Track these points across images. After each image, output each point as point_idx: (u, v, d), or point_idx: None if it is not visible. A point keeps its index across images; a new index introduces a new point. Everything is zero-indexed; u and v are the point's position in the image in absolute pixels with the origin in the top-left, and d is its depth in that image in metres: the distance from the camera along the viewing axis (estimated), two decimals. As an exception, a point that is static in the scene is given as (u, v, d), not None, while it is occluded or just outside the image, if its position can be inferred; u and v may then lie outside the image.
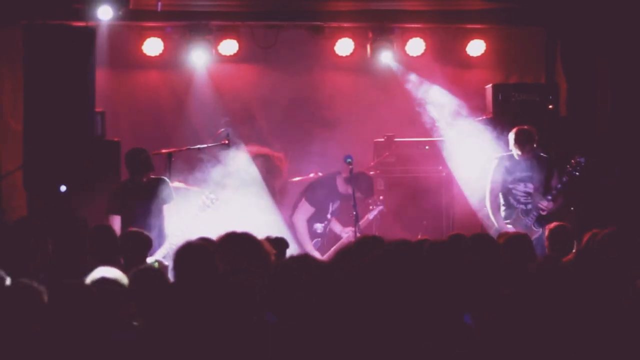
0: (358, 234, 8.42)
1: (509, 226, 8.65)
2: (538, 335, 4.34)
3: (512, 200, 8.83)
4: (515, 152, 8.76)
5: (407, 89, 11.02)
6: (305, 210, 8.79)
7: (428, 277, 4.44)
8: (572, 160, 8.61)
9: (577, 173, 8.58)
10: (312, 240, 8.85)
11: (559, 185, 8.64)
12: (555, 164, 8.87)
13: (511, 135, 8.80)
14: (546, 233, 7.33)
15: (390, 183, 10.10)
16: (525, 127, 8.83)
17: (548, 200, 8.63)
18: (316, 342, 4.00)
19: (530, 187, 8.80)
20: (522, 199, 8.82)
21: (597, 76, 10.09)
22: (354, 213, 8.48)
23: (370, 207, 9.15)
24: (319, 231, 8.87)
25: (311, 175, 9.62)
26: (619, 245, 6.06)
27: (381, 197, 9.38)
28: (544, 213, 8.63)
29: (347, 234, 8.89)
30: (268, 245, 5.11)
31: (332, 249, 8.70)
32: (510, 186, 8.82)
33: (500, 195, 8.86)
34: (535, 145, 8.73)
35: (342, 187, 8.84)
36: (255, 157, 9.68)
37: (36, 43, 8.55)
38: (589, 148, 9.62)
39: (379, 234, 9.38)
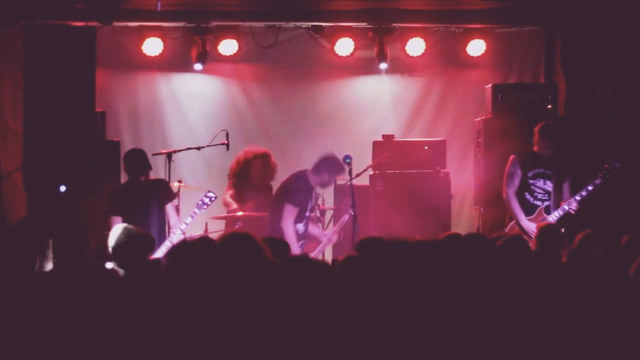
0: (357, 232, 8.39)
1: (532, 224, 8.61)
2: (537, 335, 4.34)
3: (528, 196, 8.77)
4: (539, 147, 8.72)
5: (406, 88, 11.05)
6: (291, 213, 8.62)
7: (427, 277, 4.44)
8: (606, 164, 8.58)
9: (610, 177, 8.54)
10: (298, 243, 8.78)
11: (590, 187, 8.57)
12: (572, 166, 8.84)
13: (537, 130, 8.76)
14: (535, 232, 7.30)
15: (389, 183, 10.09)
16: (551, 122, 8.82)
17: (576, 201, 8.58)
18: (316, 343, 4.00)
19: (549, 185, 8.75)
20: (539, 196, 8.77)
21: (597, 76, 10.08)
22: (352, 213, 8.46)
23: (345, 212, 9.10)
24: (300, 232, 8.80)
25: None
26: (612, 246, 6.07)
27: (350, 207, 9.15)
28: (573, 213, 8.58)
29: (325, 237, 8.88)
30: (266, 246, 5.09)
31: (316, 251, 8.62)
32: (530, 182, 8.77)
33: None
34: (559, 143, 8.70)
35: (313, 181, 8.77)
36: (255, 157, 9.68)
37: (36, 43, 8.58)
38: (589, 148, 9.63)
39: (377, 234, 9.40)
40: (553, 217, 8.61)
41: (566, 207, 8.57)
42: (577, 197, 8.58)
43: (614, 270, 5.35)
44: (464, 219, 10.68)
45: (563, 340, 4.32)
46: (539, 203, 8.74)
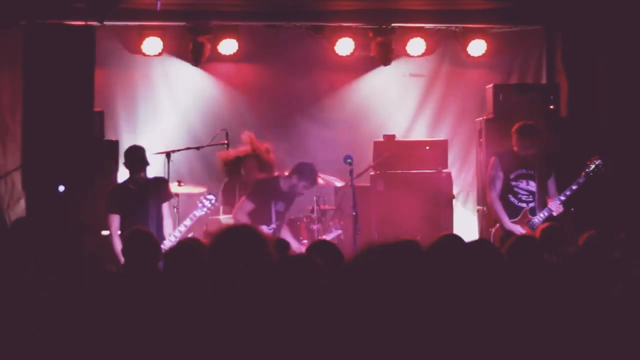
0: (358, 232, 8.32)
1: (517, 226, 8.55)
2: (537, 336, 4.31)
3: (512, 199, 8.72)
4: (519, 147, 8.68)
5: (407, 88, 11.02)
6: (244, 206, 8.51)
7: (426, 278, 4.41)
8: (589, 162, 8.54)
9: (594, 175, 8.49)
10: None
11: (574, 187, 8.52)
12: (554, 163, 8.82)
13: (515, 130, 8.74)
14: (538, 233, 7.25)
15: (390, 183, 10.06)
16: (530, 122, 8.78)
17: (560, 202, 8.52)
18: (314, 344, 3.97)
19: (532, 185, 8.69)
20: (524, 197, 8.72)
21: (598, 76, 10.05)
22: (354, 214, 8.39)
23: (332, 228, 9.06)
24: None
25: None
26: (617, 246, 6.03)
27: (342, 222, 9.22)
28: (555, 215, 8.53)
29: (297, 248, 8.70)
30: (269, 240, 5.03)
31: None
32: (513, 183, 8.72)
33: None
34: (538, 142, 8.67)
35: (285, 185, 8.64)
36: (247, 157, 9.63)
37: (35, 43, 8.53)
38: (590, 149, 9.59)
39: (378, 236, 9.36)
40: (538, 218, 8.56)
41: (552, 209, 8.51)
42: (562, 197, 8.52)
43: (615, 269, 5.31)
44: (466, 219, 10.64)
45: (561, 342, 4.29)
46: (523, 205, 8.68)
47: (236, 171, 9.73)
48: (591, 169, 8.49)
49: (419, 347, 4.01)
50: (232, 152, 9.70)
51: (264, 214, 8.58)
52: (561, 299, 4.55)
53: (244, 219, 8.42)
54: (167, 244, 7.83)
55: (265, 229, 8.56)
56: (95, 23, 9.22)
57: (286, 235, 8.75)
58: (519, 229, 8.42)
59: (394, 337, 4.01)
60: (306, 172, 8.57)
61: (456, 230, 9.54)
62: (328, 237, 8.96)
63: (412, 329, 4.05)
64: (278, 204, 8.63)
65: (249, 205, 8.52)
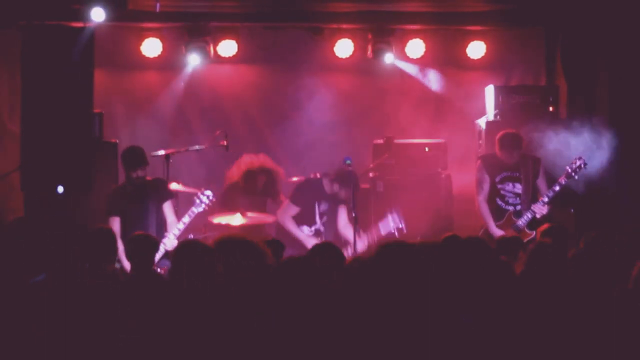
0: (358, 238, 8.30)
1: (500, 231, 8.53)
2: (535, 337, 4.31)
3: (499, 202, 8.72)
4: (502, 156, 8.69)
5: (406, 90, 11.01)
6: (288, 208, 8.60)
7: (425, 278, 4.41)
8: (572, 163, 8.54)
9: (577, 176, 8.50)
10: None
11: (557, 188, 8.52)
12: (540, 163, 8.82)
13: (497, 139, 8.76)
14: (538, 235, 7.24)
15: (390, 185, 10.04)
16: (512, 130, 8.80)
17: (543, 203, 8.52)
18: (314, 345, 3.97)
19: (519, 188, 8.69)
20: (510, 200, 8.72)
21: (598, 78, 10.04)
22: (353, 215, 8.38)
23: (391, 220, 8.63)
24: (306, 234, 8.69)
25: (294, 179, 9.49)
26: (615, 247, 6.03)
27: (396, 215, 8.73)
28: (538, 217, 8.51)
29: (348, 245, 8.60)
30: (263, 245, 5.05)
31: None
32: (499, 186, 8.73)
33: None
34: (519, 152, 8.68)
35: (328, 187, 8.66)
36: (260, 170, 9.57)
37: (34, 44, 8.54)
38: (589, 150, 9.58)
39: (377, 238, 9.32)
40: (522, 221, 8.55)
41: (535, 210, 8.50)
42: (545, 199, 8.51)
43: (612, 271, 5.31)
44: (467, 221, 10.62)
45: (560, 342, 4.29)
46: (510, 208, 8.69)
47: (253, 180, 9.63)
48: (573, 169, 8.50)
49: (420, 347, 4.00)
50: (256, 162, 9.62)
51: (307, 214, 8.64)
52: (562, 298, 4.55)
53: (289, 222, 8.54)
54: (167, 242, 7.82)
55: (306, 229, 8.59)
56: (94, 24, 9.22)
57: (348, 231, 8.65)
58: (501, 234, 8.41)
59: (395, 338, 4.00)
60: (348, 181, 8.41)
61: (457, 232, 9.51)
62: (383, 230, 8.56)
63: (414, 330, 4.04)
64: (322, 204, 8.67)
65: (294, 209, 8.60)
